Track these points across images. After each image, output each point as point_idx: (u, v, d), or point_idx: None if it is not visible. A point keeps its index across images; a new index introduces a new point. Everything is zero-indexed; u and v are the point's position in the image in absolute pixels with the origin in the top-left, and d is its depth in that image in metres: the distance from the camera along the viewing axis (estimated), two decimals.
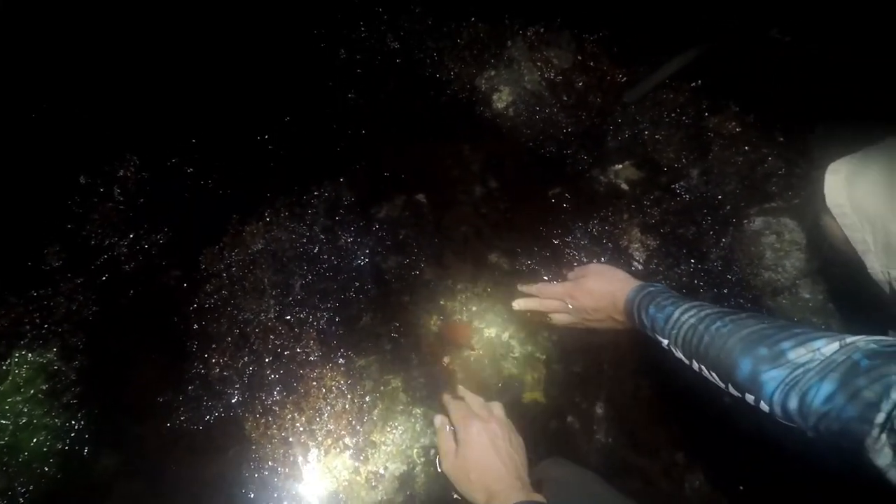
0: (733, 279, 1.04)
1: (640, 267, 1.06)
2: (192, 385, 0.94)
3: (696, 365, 0.68)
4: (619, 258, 1.06)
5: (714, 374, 0.64)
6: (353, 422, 0.92)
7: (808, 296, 0.99)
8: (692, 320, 0.68)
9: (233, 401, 0.93)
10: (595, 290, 0.88)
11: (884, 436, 0.42)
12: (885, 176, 0.67)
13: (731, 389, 0.62)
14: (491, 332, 1.01)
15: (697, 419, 0.95)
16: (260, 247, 1.05)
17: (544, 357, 1.01)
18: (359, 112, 1.18)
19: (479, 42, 1.23)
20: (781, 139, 1.09)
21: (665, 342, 0.74)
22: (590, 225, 1.09)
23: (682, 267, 1.06)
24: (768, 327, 0.59)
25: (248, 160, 1.13)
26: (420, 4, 1.25)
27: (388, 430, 0.93)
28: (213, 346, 0.96)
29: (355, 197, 1.09)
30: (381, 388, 0.96)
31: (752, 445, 0.90)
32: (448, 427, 0.83)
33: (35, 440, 0.89)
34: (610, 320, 0.88)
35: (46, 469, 0.88)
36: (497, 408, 0.85)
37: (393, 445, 0.92)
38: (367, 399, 0.94)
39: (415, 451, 0.92)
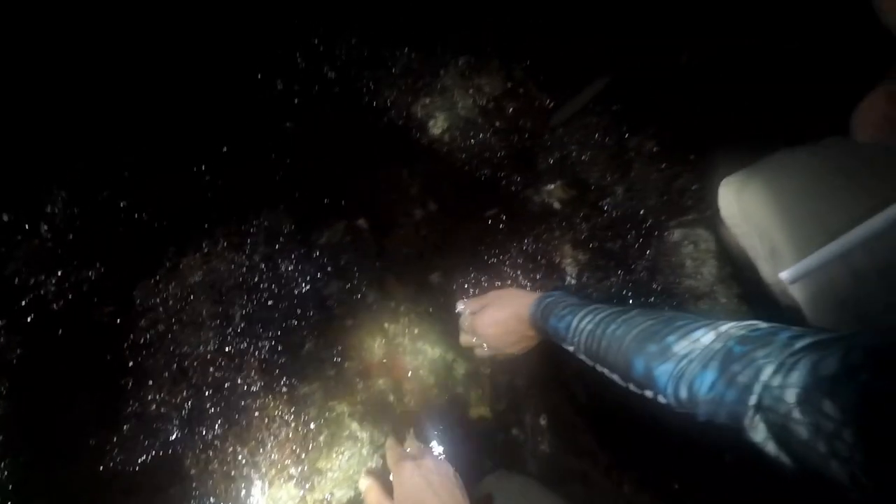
0: (658, 288, 1.11)
1: (573, 281, 1.11)
2: (127, 424, 0.91)
3: (599, 368, 0.71)
4: (553, 274, 1.11)
5: (616, 376, 0.68)
6: (298, 450, 0.92)
7: (724, 300, 1.07)
8: (590, 326, 0.70)
9: (171, 437, 0.91)
10: (498, 318, 0.88)
11: (758, 415, 0.47)
12: (770, 187, 0.74)
13: (633, 388, 0.66)
14: (435, 351, 1.03)
15: (634, 421, 0.99)
16: (198, 279, 1.04)
17: (488, 371, 1.04)
18: (297, 141, 1.19)
19: (414, 71, 1.28)
20: (692, 157, 1.18)
21: (571, 349, 0.77)
22: (525, 243, 1.14)
23: (612, 279, 1.12)
24: (656, 324, 0.62)
25: (184, 191, 1.12)
26: (355, 35, 1.29)
27: (334, 455, 0.93)
28: (150, 382, 0.94)
29: (295, 225, 1.10)
30: (326, 414, 0.96)
31: (684, 444, 0.95)
32: (374, 486, 0.82)
33: None
34: (525, 339, 0.89)
35: None
36: (432, 446, 0.86)
37: (339, 471, 0.92)
38: (312, 426, 0.94)
39: (362, 475, 0.92)
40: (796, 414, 0.42)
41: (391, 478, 0.81)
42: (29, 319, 0.98)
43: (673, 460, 0.98)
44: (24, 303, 0.99)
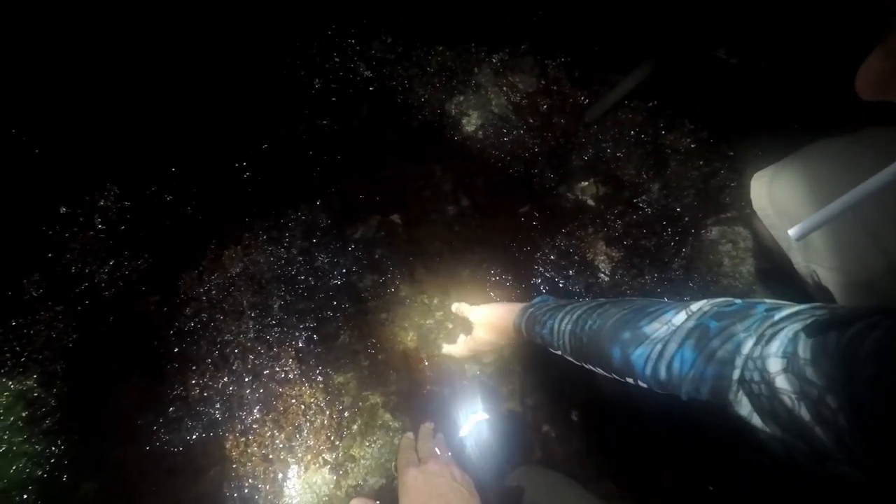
0: (694, 286, 1.09)
1: (605, 278, 1.11)
2: (172, 407, 0.95)
3: (587, 366, 0.71)
4: (586, 270, 1.11)
5: (600, 370, 0.68)
6: (333, 437, 0.95)
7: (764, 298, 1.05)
8: (569, 327, 0.70)
9: (213, 421, 0.95)
10: (486, 338, 0.91)
11: (741, 389, 0.46)
12: (801, 179, 0.73)
13: (617, 378, 0.65)
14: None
15: (668, 420, 0.98)
16: (239, 270, 1.08)
17: (519, 368, 1.04)
18: (334, 138, 1.22)
19: (448, 69, 1.29)
20: (731, 153, 1.16)
21: (560, 353, 0.76)
22: (557, 239, 1.14)
23: (646, 276, 1.11)
24: (628, 312, 0.62)
25: (226, 186, 1.16)
26: (390, 34, 1.31)
27: (367, 444, 0.95)
28: (193, 367, 0.98)
29: (331, 219, 1.13)
30: (360, 403, 0.98)
31: (720, 445, 0.94)
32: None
33: (14, 467, 0.89)
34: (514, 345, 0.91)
35: (25, 497, 0.88)
36: (440, 444, 0.88)
37: (372, 459, 0.94)
38: (346, 415, 0.97)
39: (393, 464, 0.94)
40: (780, 383, 0.42)
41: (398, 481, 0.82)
42: (83, 306, 1.04)
43: (709, 461, 0.96)
44: (78, 290, 1.05)
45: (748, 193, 0.89)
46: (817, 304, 0.45)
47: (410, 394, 1.00)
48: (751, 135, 1.17)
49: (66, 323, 1.01)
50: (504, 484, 0.90)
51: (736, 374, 0.46)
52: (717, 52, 1.19)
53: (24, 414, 0.93)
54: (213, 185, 1.17)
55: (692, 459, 0.96)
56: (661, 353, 0.54)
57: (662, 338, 0.55)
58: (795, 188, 0.74)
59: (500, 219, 1.17)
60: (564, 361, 1.04)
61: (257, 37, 1.29)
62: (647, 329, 0.57)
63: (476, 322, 0.91)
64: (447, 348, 0.98)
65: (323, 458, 0.93)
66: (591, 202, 1.19)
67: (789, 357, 0.42)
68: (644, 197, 1.18)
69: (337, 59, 1.29)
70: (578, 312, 0.70)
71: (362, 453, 0.94)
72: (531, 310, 0.81)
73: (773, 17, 1.10)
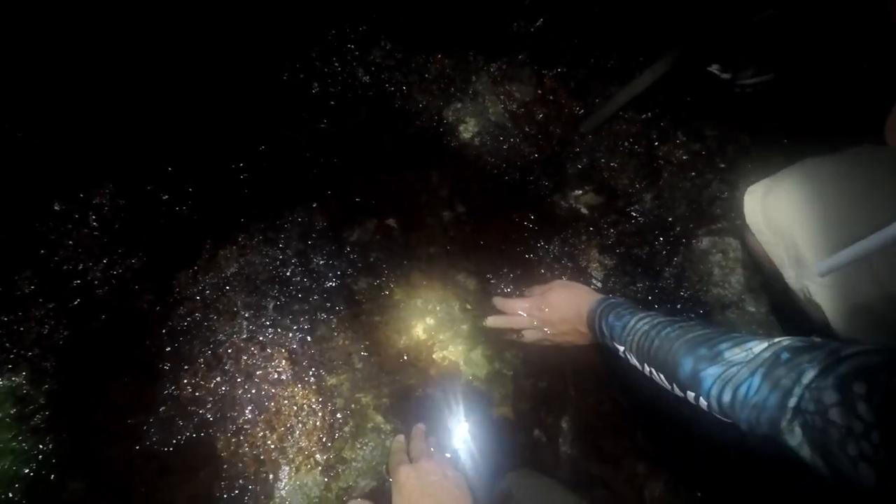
0: (685, 295, 1.11)
1: (598, 285, 1.12)
2: (163, 406, 0.95)
3: (646, 369, 0.73)
4: (579, 277, 1.12)
5: (661, 376, 0.69)
6: (324, 439, 0.94)
7: (752, 309, 1.07)
8: (646, 327, 0.73)
9: (204, 421, 0.94)
10: (560, 303, 0.94)
11: (796, 419, 0.47)
12: (794, 195, 0.74)
13: (676, 389, 0.67)
14: (459, 350, 1.05)
15: (657, 430, 1.00)
16: (233, 270, 1.08)
17: (511, 373, 1.05)
18: (331, 141, 1.23)
19: (446, 76, 1.31)
20: (723, 165, 1.18)
21: (622, 349, 0.79)
22: (551, 246, 1.15)
23: (638, 284, 1.12)
24: (711, 332, 0.65)
25: (222, 187, 1.17)
26: (389, 41, 1.33)
27: (359, 446, 0.95)
28: (186, 367, 0.98)
29: (327, 222, 1.14)
30: (352, 405, 0.98)
31: (709, 453, 0.95)
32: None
33: (1, 465, 0.88)
34: (574, 333, 0.94)
35: (12, 495, 0.87)
36: (432, 445, 0.89)
37: (363, 462, 0.94)
38: (338, 416, 0.97)
39: (385, 466, 0.94)
40: (833, 415, 0.43)
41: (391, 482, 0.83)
42: (75, 304, 1.03)
43: (697, 469, 0.97)
44: (71, 287, 1.04)
45: (739, 205, 0.91)
46: (889, 346, 0.46)
47: (403, 397, 1.00)
48: (742, 148, 1.19)
49: (57, 320, 1.01)
50: (495, 488, 0.90)
51: (792, 402, 0.47)
52: (710, 68, 1.21)
53: (12, 411, 0.92)
54: (210, 185, 1.17)
55: (686, 468, 0.97)
56: (732, 377, 0.56)
57: (738, 362, 0.57)
58: (790, 204, 0.75)
59: (496, 225, 1.18)
60: (557, 368, 1.05)
61: (258, 39, 1.30)
62: (727, 352, 0.59)
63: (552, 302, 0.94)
64: (529, 335, 0.99)
65: (314, 459, 0.93)
66: (585, 210, 1.21)
67: (845, 390, 0.43)
68: (637, 206, 1.20)
69: (336, 64, 1.30)
70: (660, 319, 0.73)
71: (353, 455, 0.94)
72: (612, 300, 0.85)
73: (770, 32, 1.13)
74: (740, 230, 1.09)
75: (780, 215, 0.75)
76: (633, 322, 0.76)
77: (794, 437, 0.47)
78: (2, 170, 1.14)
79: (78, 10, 1.25)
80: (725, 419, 0.59)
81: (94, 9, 1.25)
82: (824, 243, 0.71)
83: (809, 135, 1.15)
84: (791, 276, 0.76)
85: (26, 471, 0.89)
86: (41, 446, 0.91)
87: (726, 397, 0.56)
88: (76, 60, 1.24)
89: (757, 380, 0.53)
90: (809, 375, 0.47)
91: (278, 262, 1.09)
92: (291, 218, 1.13)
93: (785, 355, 0.52)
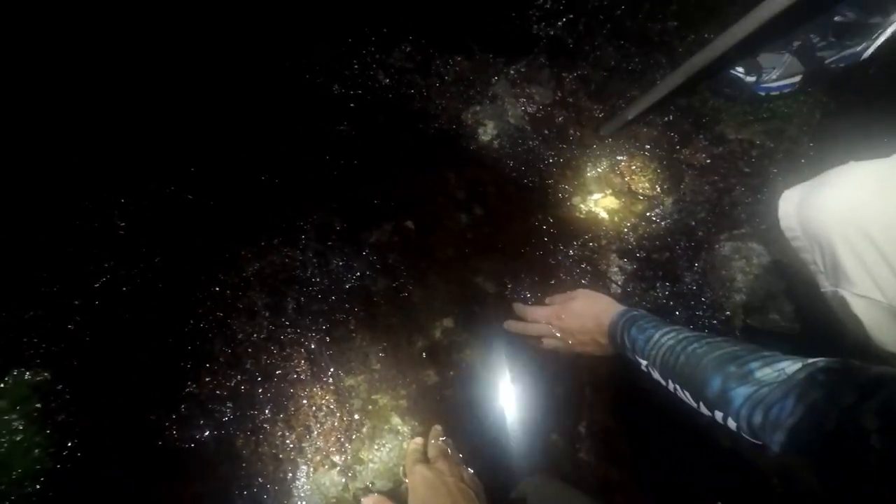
0: (706, 301, 1.09)
1: (617, 289, 1.11)
2: (184, 404, 0.96)
3: (671, 385, 0.71)
4: (599, 281, 1.11)
5: (687, 393, 0.67)
6: (342, 439, 0.95)
7: (776, 317, 1.05)
8: (671, 342, 0.71)
9: (224, 419, 0.95)
10: (581, 312, 0.93)
11: (833, 443, 0.46)
12: (832, 200, 0.72)
13: (703, 408, 0.65)
14: (477, 353, 1.05)
15: (674, 438, 0.98)
16: (254, 271, 1.09)
17: (529, 379, 1.04)
18: (351, 143, 1.24)
19: (465, 79, 1.31)
20: (747, 170, 1.16)
21: (644, 363, 0.77)
22: (570, 250, 1.14)
23: (658, 290, 1.11)
24: (740, 350, 0.63)
25: (244, 188, 1.18)
26: (409, 44, 1.33)
27: (376, 447, 0.95)
28: (206, 365, 0.99)
29: (346, 223, 1.14)
30: (369, 406, 0.99)
31: (726, 463, 0.93)
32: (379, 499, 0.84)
33: (26, 459, 0.90)
34: (594, 343, 0.92)
35: (38, 487, 0.89)
36: (449, 447, 0.89)
37: (380, 463, 0.94)
38: (356, 417, 0.97)
39: (401, 468, 0.94)
40: (874, 441, 0.41)
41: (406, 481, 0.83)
42: (100, 302, 1.05)
43: (714, 478, 0.96)
44: (96, 287, 1.06)
45: (766, 210, 0.89)
46: None
47: (420, 398, 1.00)
48: (767, 151, 1.17)
49: (82, 319, 1.02)
50: (511, 492, 0.90)
51: (830, 426, 0.46)
52: (734, 70, 1.20)
53: (38, 406, 0.94)
54: (231, 187, 1.18)
55: (704, 477, 0.95)
56: (764, 397, 0.54)
57: (770, 382, 0.55)
58: (826, 213, 0.72)
59: (514, 228, 1.17)
60: (574, 375, 1.04)
61: (280, 42, 1.32)
62: (758, 371, 0.57)
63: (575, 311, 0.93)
64: (548, 343, 0.98)
65: (332, 459, 0.93)
66: (604, 214, 1.20)
67: (886, 417, 0.42)
68: (658, 210, 1.18)
69: (356, 67, 1.31)
70: (686, 334, 0.71)
71: (371, 456, 0.94)
72: (634, 313, 0.83)
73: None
74: (765, 235, 1.07)
75: (818, 222, 0.72)
76: (657, 336, 0.74)
77: (830, 462, 0.46)
78: (30, 166, 1.17)
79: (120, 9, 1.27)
80: (755, 440, 0.58)
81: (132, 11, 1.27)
82: (866, 251, 0.69)
83: (836, 139, 1.12)
84: (826, 285, 0.74)
85: (49, 466, 0.91)
86: (66, 441, 0.92)
87: (757, 418, 0.54)
88: (113, 65, 1.26)
89: (791, 402, 0.51)
90: (848, 400, 0.46)
91: (298, 263, 1.10)
92: (311, 219, 1.14)
93: (821, 377, 0.51)
